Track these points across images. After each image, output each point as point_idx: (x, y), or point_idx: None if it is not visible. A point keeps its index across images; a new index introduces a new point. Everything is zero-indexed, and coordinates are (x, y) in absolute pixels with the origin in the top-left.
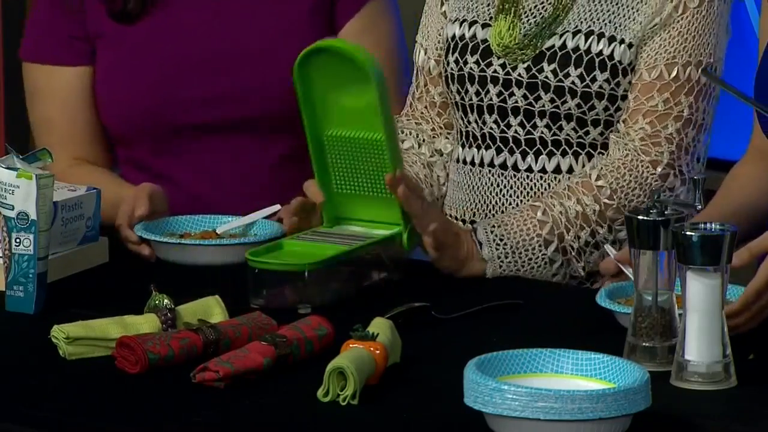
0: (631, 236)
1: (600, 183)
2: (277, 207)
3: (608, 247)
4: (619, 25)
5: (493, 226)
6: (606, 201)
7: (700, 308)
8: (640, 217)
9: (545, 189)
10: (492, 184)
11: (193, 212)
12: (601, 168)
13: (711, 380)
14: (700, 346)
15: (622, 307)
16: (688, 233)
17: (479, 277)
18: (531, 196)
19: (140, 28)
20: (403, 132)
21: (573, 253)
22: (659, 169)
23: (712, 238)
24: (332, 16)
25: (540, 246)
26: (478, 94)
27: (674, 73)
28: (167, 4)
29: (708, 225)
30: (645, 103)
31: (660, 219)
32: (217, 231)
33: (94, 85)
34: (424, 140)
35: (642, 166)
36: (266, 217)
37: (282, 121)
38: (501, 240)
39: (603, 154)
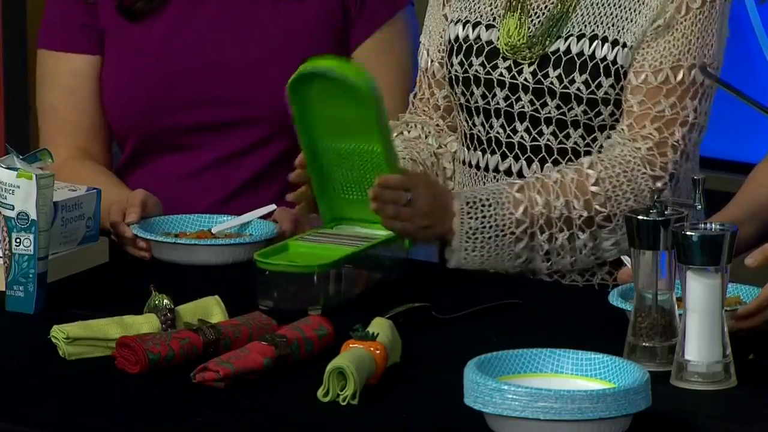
0: (631, 236)
1: (595, 189)
2: (273, 207)
3: (625, 258)
4: (621, 28)
5: (470, 216)
6: (597, 208)
7: (700, 308)
8: (640, 217)
9: None
10: None
11: (179, 213)
12: (600, 171)
13: (711, 380)
14: (700, 346)
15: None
16: (688, 233)
17: (478, 274)
18: None
19: (145, 28)
20: (408, 125)
21: (541, 253)
22: (659, 184)
23: (712, 238)
24: (347, 33)
25: (511, 243)
26: (484, 97)
27: (680, 77)
28: (174, 7)
29: (708, 225)
30: (652, 108)
31: (660, 219)
32: (212, 231)
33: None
34: (431, 132)
35: (642, 178)
36: (262, 217)
37: (277, 125)
38: (473, 235)
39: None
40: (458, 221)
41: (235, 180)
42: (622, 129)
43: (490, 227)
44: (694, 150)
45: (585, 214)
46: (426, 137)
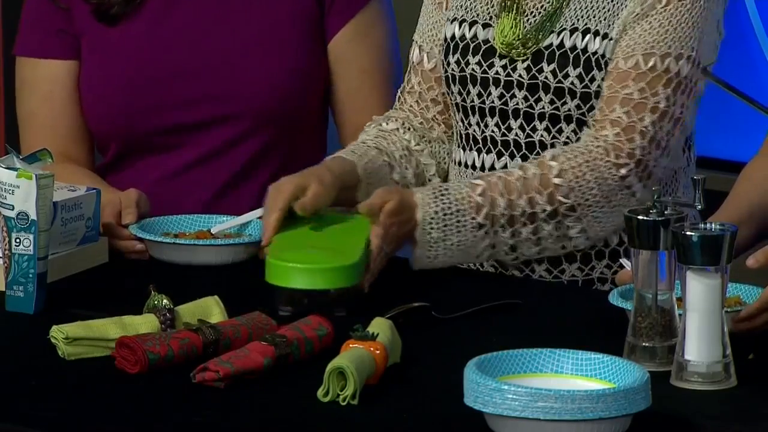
0: (631, 236)
1: (558, 181)
2: None
3: (624, 260)
4: (611, 22)
5: (432, 227)
6: (561, 199)
7: (700, 308)
8: (640, 217)
9: None
10: None
11: (167, 214)
12: (563, 162)
13: (711, 380)
14: (700, 346)
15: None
16: (688, 233)
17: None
18: None
19: (122, 31)
20: (389, 118)
21: (505, 248)
22: (623, 171)
23: (712, 238)
24: (323, 23)
25: (473, 244)
26: (480, 96)
27: (651, 63)
28: (150, 8)
29: (708, 225)
30: (620, 91)
31: (660, 219)
32: (212, 231)
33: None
34: (410, 128)
35: (605, 166)
36: (261, 217)
37: (259, 119)
38: (436, 243)
39: None
40: (420, 231)
41: (221, 176)
42: (595, 113)
43: (452, 234)
44: (670, 142)
45: (549, 208)
46: (404, 132)
